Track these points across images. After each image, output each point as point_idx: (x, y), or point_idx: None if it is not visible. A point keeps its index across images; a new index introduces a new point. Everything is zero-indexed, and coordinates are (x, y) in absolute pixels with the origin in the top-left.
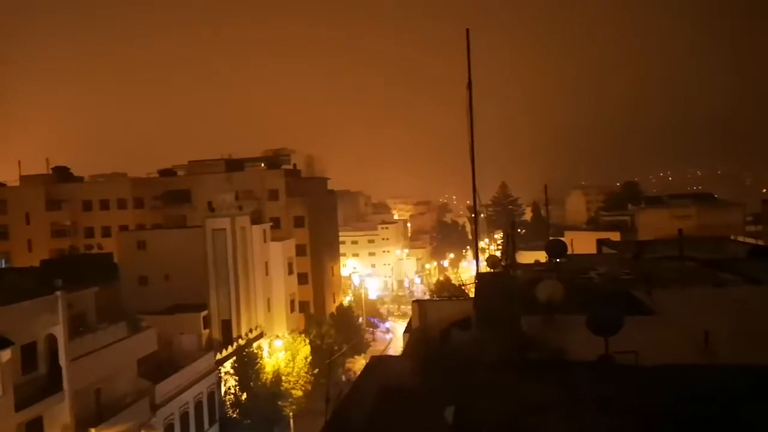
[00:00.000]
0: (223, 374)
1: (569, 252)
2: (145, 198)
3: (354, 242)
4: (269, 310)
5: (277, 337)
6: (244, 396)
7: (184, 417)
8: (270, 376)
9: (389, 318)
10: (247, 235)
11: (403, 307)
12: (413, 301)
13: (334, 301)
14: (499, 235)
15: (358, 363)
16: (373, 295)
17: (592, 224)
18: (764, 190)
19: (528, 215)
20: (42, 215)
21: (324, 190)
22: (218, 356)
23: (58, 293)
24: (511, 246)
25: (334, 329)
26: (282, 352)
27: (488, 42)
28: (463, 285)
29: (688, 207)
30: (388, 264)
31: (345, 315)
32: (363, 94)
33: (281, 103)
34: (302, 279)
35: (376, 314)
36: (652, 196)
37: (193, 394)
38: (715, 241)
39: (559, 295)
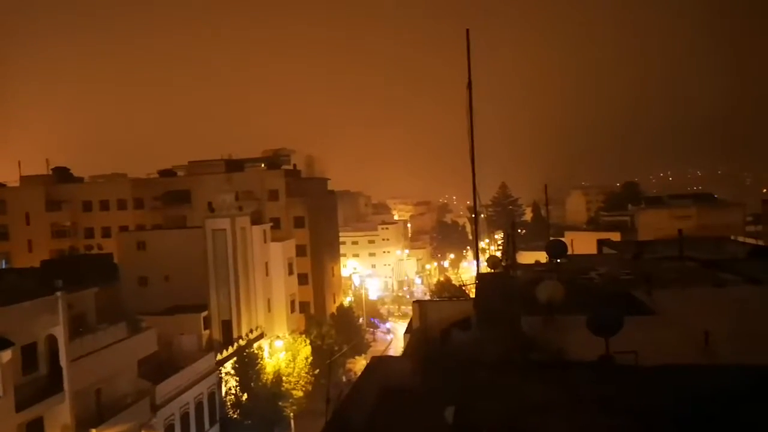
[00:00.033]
0: (223, 375)
1: (569, 252)
2: (145, 198)
3: (354, 243)
4: (269, 310)
5: (278, 337)
6: (245, 396)
7: (185, 417)
8: (270, 377)
9: (390, 318)
10: (248, 235)
11: (403, 307)
12: (414, 302)
13: (335, 302)
14: (499, 236)
15: (359, 363)
16: (373, 296)
17: (593, 224)
18: (764, 190)
19: (528, 215)
20: (42, 216)
21: (324, 190)
22: (219, 357)
23: (59, 294)
24: (511, 246)
25: (334, 330)
26: (282, 352)
27: (489, 42)
28: (464, 285)
29: (688, 207)
30: (389, 264)
31: (345, 315)
32: (363, 94)
33: (281, 103)
34: (302, 279)
35: (376, 315)
36: (652, 196)
37: (193, 395)
38: (715, 241)
39: (559, 296)
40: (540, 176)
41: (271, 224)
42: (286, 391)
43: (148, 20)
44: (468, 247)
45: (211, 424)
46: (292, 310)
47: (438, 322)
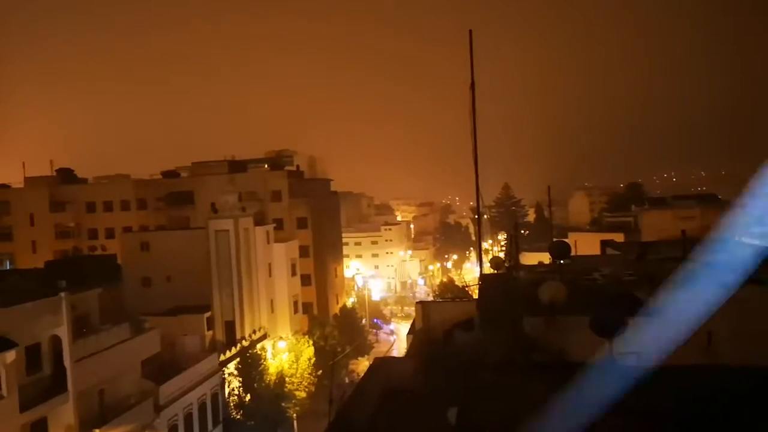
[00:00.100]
0: (226, 375)
1: (573, 253)
2: (149, 199)
3: (357, 243)
4: (272, 311)
5: (281, 338)
6: (248, 397)
7: (188, 418)
8: (273, 378)
9: (393, 319)
10: (250, 236)
11: (406, 308)
12: (417, 303)
13: (338, 303)
14: (502, 237)
15: (362, 364)
16: (376, 297)
17: (596, 225)
18: None
19: (531, 216)
20: (46, 216)
21: (327, 191)
22: (222, 357)
23: (62, 294)
24: (514, 247)
25: (337, 330)
26: (285, 353)
27: (492, 42)
28: (467, 286)
29: (692, 208)
30: (392, 265)
31: (348, 316)
32: (363, 91)
33: (282, 101)
34: (305, 280)
35: (379, 315)
36: (655, 197)
37: (196, 396)
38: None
39: (562, 297)
40: (543, 177)
41: (274, 225)
42: (289, 392)
43: (148, 18)
44: (471, 248)
45: (215, 424)
46: (295, 311)
47: (441, 323)
